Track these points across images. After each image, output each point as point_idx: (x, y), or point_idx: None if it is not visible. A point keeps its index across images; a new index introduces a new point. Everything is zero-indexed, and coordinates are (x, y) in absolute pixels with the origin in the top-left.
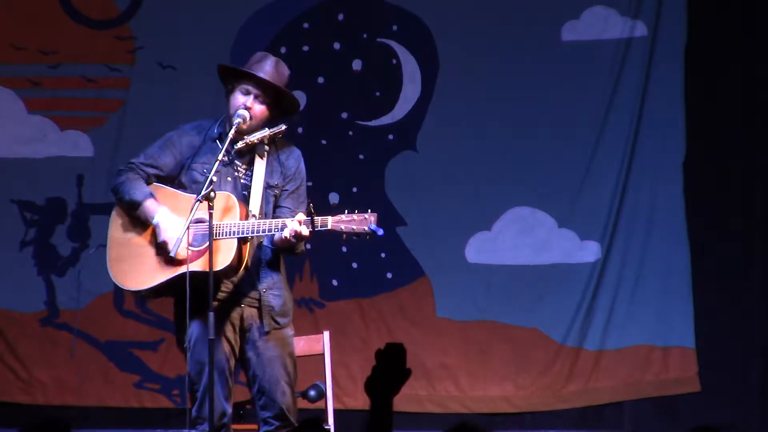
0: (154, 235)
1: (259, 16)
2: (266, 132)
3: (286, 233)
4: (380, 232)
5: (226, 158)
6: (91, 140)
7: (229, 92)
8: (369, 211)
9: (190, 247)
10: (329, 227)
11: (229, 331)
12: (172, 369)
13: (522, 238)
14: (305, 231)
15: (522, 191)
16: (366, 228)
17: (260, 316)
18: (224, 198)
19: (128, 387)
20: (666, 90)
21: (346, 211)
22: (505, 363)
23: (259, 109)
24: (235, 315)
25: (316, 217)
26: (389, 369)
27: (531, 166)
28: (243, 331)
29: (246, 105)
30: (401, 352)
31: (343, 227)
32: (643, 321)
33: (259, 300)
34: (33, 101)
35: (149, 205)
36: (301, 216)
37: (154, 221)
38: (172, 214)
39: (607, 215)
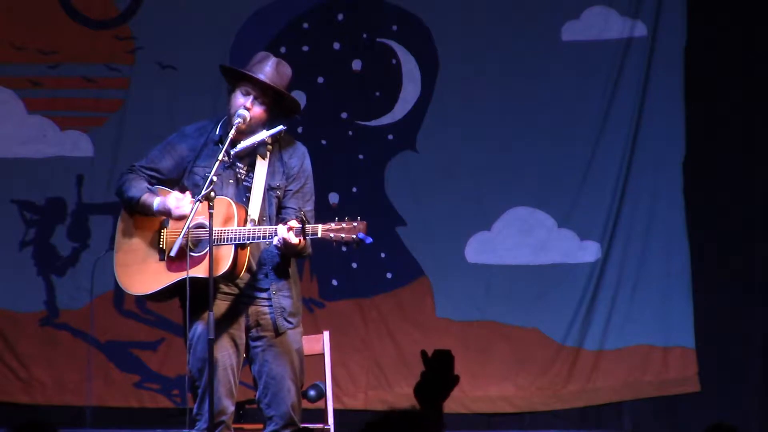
0: (157, 239)
1: (259, 16)
2: (263, 134)
3: (275, 241)
4: (368, 240)
5: (226, 159)
6: (91, 140)
7: (231, 91)
8: (358, 218)
9: (190, 253)
10: (319, 236)
11: (235, 329)
12: (172, 369)
13: (522, 238)
14: (293, 239)
15: (522, 191)
16: (354, 236)
17: (272, 317)
18: (223, 204)
19: (128, 387)
20: (666, 90)
21: (336, 218)
22: (505, 363)
23: (258, 110)
24: (242, 313)
25: (306, 225)
26: (439, 374)
27: (531, 166)
28: (249, 329)
29: (245, 106)
30: (450, 359)
31: (332, 235)
32: (642, 321)
33: (270, 300)
34: (33, 101)
35: (146, 197)
36: (293, 223)
37: (155, 207)
38: (171, 196)
39: (607, 215)
